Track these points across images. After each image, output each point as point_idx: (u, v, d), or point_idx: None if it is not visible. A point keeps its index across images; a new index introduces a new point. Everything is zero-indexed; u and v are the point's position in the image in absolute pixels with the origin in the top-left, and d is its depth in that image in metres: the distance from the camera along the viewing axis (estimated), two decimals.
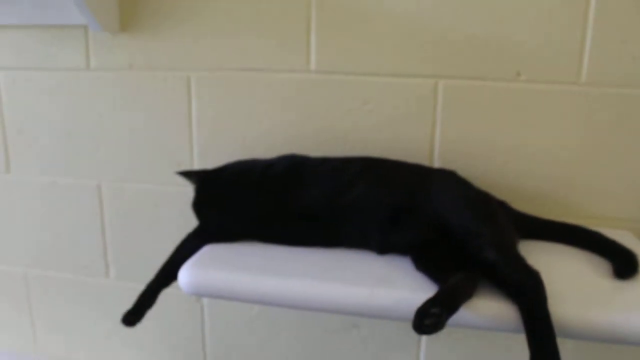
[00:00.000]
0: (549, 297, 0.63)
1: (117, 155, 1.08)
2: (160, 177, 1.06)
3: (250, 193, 0.83)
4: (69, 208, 1.14)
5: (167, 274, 0.84)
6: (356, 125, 0.95)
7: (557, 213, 0.89)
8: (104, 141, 1.08)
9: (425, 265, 0.73)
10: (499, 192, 0.86)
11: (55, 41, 1.05)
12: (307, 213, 0.81)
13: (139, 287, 0.84)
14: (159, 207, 1.08)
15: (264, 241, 0.83)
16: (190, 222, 0.86)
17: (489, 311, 0.66)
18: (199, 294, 0.96)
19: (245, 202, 0.83)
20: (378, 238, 0.78)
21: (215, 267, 0.77)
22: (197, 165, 1.04)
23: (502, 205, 0.85)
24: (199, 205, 0.86)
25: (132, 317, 0.82)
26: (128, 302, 0.83)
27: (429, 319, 0.60)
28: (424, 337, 1.02)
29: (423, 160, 0.92)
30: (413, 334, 0.63)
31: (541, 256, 0.71)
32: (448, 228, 0.74)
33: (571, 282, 0.71)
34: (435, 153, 0.93)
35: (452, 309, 0.62)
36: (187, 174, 0.89)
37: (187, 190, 0.88)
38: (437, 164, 0.93)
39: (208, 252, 0.81)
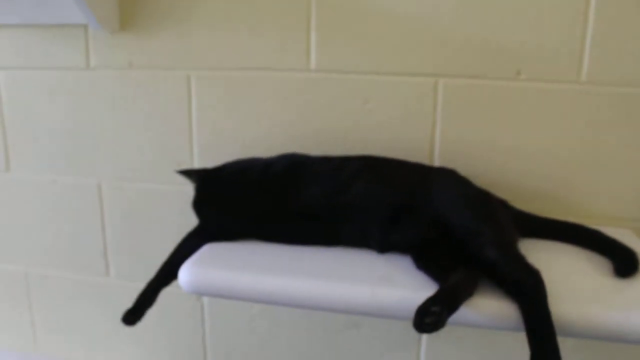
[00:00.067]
0: (549, 295, 0.63)
1: (117, 154, 1.08)
2: (160, 176, 1.06)
3: (251, 192, 0.83)
4: (69, 207, 1.14)
5: (167, 273, 0.84)
6: (356, 124, 0.95)
7: (558, 212, 0.89)
8: (104, 140, 1.08)
9: (426, 264, 0.73)
10: (499, 191, 0.86)
11: (55, 40, 1.04)
12: (307, 212, 0.81)
13: (139, 286, 0.84)
14: (159, 206, 1.08)
15: (264, 240, 0.83)
16: (190, 221, 0.86)
17: (489, 309, 0.66)
18: (199, 293, 0.96)
19: (245, 201, 0.83)
20: (378, 237, 0.78)
21: (215, 266, 0.77)
22: (197, 164, 1.04)
23: (503, 204, 0.85)
24: (199, 204, 0.86)
25: (133, 316, 0.82)
26: (128, 301, 0.83)
27: (429, 318, 0.60)
28: (425, 336, 1.02)
29: (423, 159, 0.92)
30: (413, 333, 0.63)
31: (541, 255, 0.71)
32: (448, 227, 0.74)
33: (571, 281, 0.71)
34: (436, 152, 0.93)
35: (453, 307, 0.63)
36: (187, 173, 0.89)
37: (187, 189, 0.88)
38: (437, 162, 0.93)
39: (208, 251, 0.81)
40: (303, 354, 1.10)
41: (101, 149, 1.08)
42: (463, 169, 0.86)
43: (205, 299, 1.12)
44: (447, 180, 0.83)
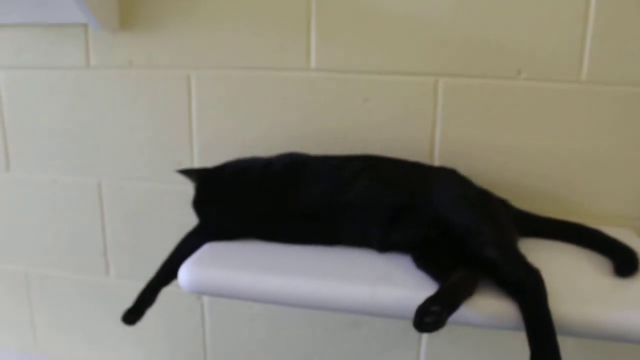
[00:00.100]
0: (550, 294, 0.63)
1: (117, 154, 1.08)
2: (160, 176, 1.06)
3: (251, 191, 0.83)
4: (69, 206, 1.14)
5: (167, 272, 0.84)
6: (356, 123, 0.95)
7: (558, 211, 0.89)
8: (104, 139, 1.08)
9: (426, 263, 0.73)
10: (500, 190, 0.86)
11: (55, 40, 1.04)
12: (308, 211, 0.81)
13: (139, 285, 0.84)
14: (159, 206, 1.08)
15: (264, 239, 0.83)
16: (190, 221, 0.86)
17: (489, 309, 0.66)
18: (199, 292, 0.96)
19: (245, 200, 0.83)
20: (378, 236, 0.78)
21: (215, 266, 0.77)
22: (197, 163, 1.04)
23: (503, 203, 0.85)
24: (199, 204, 0.86)
25: (133, 316, 0.82)
26: (128, 300, 0.83)
27: (429, 317, 0.60)
28: (425, 335, 1.02)
29: (423, 159, 0.92)
30: (414, 332, 0.63)
31: (541, 254, 0.71)
32: (448, 226, 0.74)
33: (571, 280, 0.71)
34: (436, 151, 0.93)
35: (453, 307, 0.63)
36: (187, 172, 0.89)
37: (187, 189, 0.88)
38: (437, 162, 0.93)
39: (208, 250, 0.81)
40: (303, 353, 1.10)
41: (101, 148, 1.08)
42: (463, 168, 0.86)
43: (205, 299, 1.12)
44: (447, 180, 0.83)
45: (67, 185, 1.12)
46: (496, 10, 0.86)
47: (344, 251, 0.80)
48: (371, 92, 0.93)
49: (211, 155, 1.01)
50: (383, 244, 0.79)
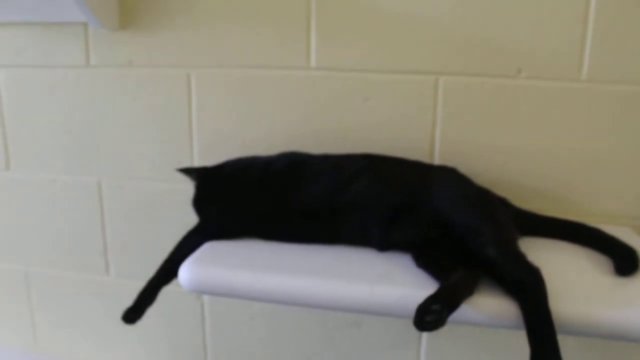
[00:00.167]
0: (550, 293, 0.63)
1: (117, 153, 1.08)
2: (160, 175, 1.06)
3: (251, 190, 0.83)
4: (69, 206, 1.14)
5: (167, 272, 0.84)
6: (356, 122, 0.95)
7: (558, 210, 0.89)
8: (104, 138, 1.08)
9: (426, 262, 0.73)
10: (500, 189, 0.86)
11: (55, 38, 1.04)
12: (308, 210, 0.81)
13: (140, 284, 0.84)
14: (159, 205, 1.08)
15: (265, 238, 0.83)
16: (190, 220, 0.86)
17: (489, 308, 0.66)
18: (199, 291, 0.96)
19: (245, 199, 0.83)
20: (378, 235, 0.78)
21: (215, 265, 0.77)
22: (197, 162, 1.03)
23: (503, 202, 0.85)
24: (199, 202, 0.86)
25: (133, 315, 0.82)
26: (128, 299, 0.83)
27: (429, 316, 0.60)
28: (425, 334, 1.02)
29: (423, 157, 0.92)
30: (414, 331, 0.63)
31: (542, 253, 0.71)
32: (449, 225, 0.74)
33: (572, 279, 0.71)
34: (436, 150, 0.93)
35: (453, 306, 0.63)
36: (188, 171, 0.89)
37: (188, 188, 0.88)
38: (437, 160, 0.93)
39: (208, 249, 0.81)
40: (303, 352, 1.10)
41: (101, 147, 1.08)
42: (463, 167, 0.86)
43: (206, 297, 1.12)
44: (448, 179, 0.83)
45: (67, 185, 1.12)
46: (496, 8, 0.86)
47: (344, 250, 0.80)
48: (371, 91, 0.93)
49: (211, 154, 1.01)
50: (383, 243, 0.79)
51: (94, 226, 1.13)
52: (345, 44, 0.92)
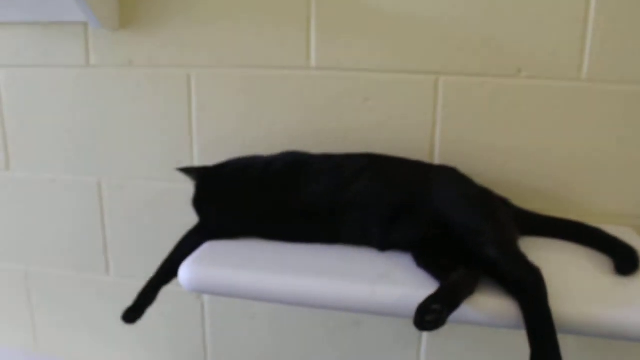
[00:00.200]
0: (550, 293, 0.63)
1: (117, 153, 1.08)
2: (160, 174, 1.06)
3: (251, 190, 0.83)
4: (69, 205, 1.14)
5: (167, 271, 0.84)
6: (357, 121, 0.95)
7: (558, 210, 0.89)
8: (104, 138, 1.08)
9: (427, 262, 0.73)
10: (500, 189, 0.86)
11: (55, 38, 1.04)
12: (308, 210, 0.81)
13: (140, 284, 0.84)
14: (159, 204, 1.08)
15: (265, 238, 0.83)
16: (190, 219, 0.86)
17: (490, 308, 0.66)
18: (199, 291, 0.96)
19: (246, 198, 0.83)
20: (379, 235, 0.78)
21: (215, 264, 0.77)
22: (197, 161, 1.03)
23: (503, 202, 0.85)
24: (200, 202, 0.86)
25: (133, 314, 0.82)
26: (128, 299, 0.83)
27: (430, 316, 0.60)
28: (425, 334, 1.02)
29: (423, 157, 0.92)
30: (414, 330, 0.63)
31: (542, 253, 0.71)
32: (449, 225, 0.74)
33: (572, 279, 0.71)
34: (436, 150, 0.93)
35: (453, 305, 0.63)
36: (188, 171, 0.89)
37: (188, 187, 0.88)
38: (437, 160, 0.93)
39: (208, 248, 0.81)
40: (303, 351, 1.10)
41: (101, 147, 1.08)
42: (463, 167, 0.86)
43: (206, 297, 1.12)
44: (448, 179, 0.83)
45: (67, 184, 1.12)
46: (496, 8, 0.86)
47: (344, 250, 0.80)
48: (371, 91, 0.93)
49: (211, 153, 1.01)
50: (383, 243, 0.79)
51: (94, 226, 1.13)
52: (346, 43, 0.92)
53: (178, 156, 1.04)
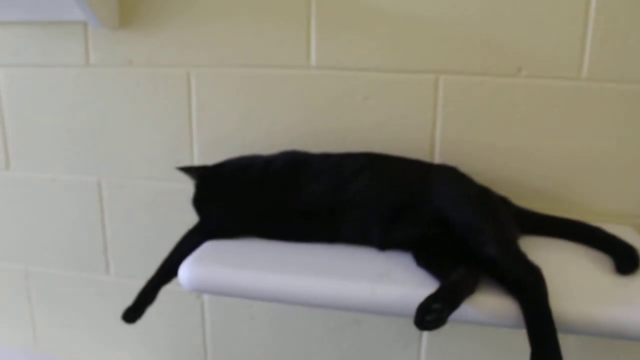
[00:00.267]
0: (550, 292, 0.63)
1: (117, 152, 1.07)
2: (160, 174, 1.06)
3: (251, 189, 0.83)
4: (68, 205, 1.14)
5: (167, 271, 0.84)
6: (357, 121, 0.95)
7: (558, 209, 0.89)
8: (104, 138, 1.07)
9: (427, 261, 0.73)
10: (500, 188, 0.86)
11: (55, 38, 1.04)
12: (308, 209, 0.81)
13: (140, 284, 0.84)
14: (159, 204, 1.08)
15: (265, 237, 0.83)
16: (190, 219, 0.86)
17: (490, 307, 0.66)
18: (199, 291, 0.96)
19: (245, 198, 0.83)
20: (379, 234, 0.78)
21: (215, 264, 0.77)
22: (197, 161, 1.03)
23: (503, 201, 0.85)
24: (199, 201, 0.85)
25: (133, 314, 0.82)
26: (128, 298, 0.83)
27: (430, 315, 0.60)
28: (426, 333, 1.02)
29: (424, 156, 0.92)
30: (414, 330, 0.63)
31: (542, 252, 0.71)
32: (449, 224, 0.74)
33: (572, 278, 0.70)
34: (436, 149, 0.93)
35: (454, 304, 0.62)
36: (188, 170, 0.89)
37: (188, 187, 0.88)
38: (437, 159, 0.93)
39: (208, 248, 0.81)
40: (303, 351, 1.10)
41: (101, 146, 1.08)
42: (463, 166, 0.86)
43: (206, 297, 1.12)
44: (448, 178, 0.83)
45: (67, 184, 1.12)
46: (497, 7, 0.86)
47: (344, 249, 0.80)
48: (371, 90, 0.93)
49: (211, 153, 1.01)
50: (383, 242, 0.79)
51: (94, 226, 1.13)
52: (346, 43, 0.92)
53: (178, 156, 1.04)
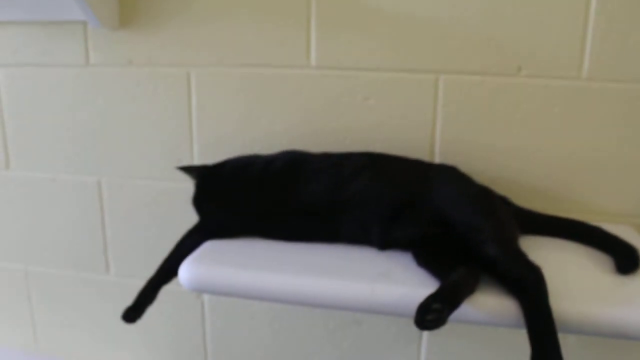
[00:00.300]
0: (550, 292, 0.63)
1: (117, 152, 1.07)
2: (160, 173, 1.06)
3: (251, 188, 0.83)
4: (69, 205, 1.13)
5: (167, 270, 0.84)
6: (357, 120, 0.94)
7: (559, 208, 0.89)
8: (104, 137, 1.07)
9: (427, 260, 0.72)
10: (500, 188, 0.86)
11: (54, 37, 1.04)
12: (308, 209, 0.81)
13: (140, 283, 0.84)
14: (159, 203, 1.08)
15: (265, 237, 0.83)
16: (190, 218, 0.86)
17: (490, 306, 0.66)
18: (199, 290, 0.96)
19: (245, 197, 0.83)
20: (379, 234, 0.78)
21: (215, 263, 0.77)
22: (197, 160, 1.03)
23: (504, 201, 0.85)
24: (200, 201, 0.85)
25: (133, 314, 0.82)
26: (128, 298, 0.83)
27: (430, 315, 0.60)
28: (426, 333, 1.02)
29: (424, 156, 0.92)
30: (415, 329, 0.63)
31: (542, 251, 0.71)
32: (449, 223, 0.74)
33: (572, 278, 0.70)
34: (436, 148, 0.93)
35: (454, 304, 0.62)
36: (188, 169, 0.89)
37: (188, 186, 0.88)
38: (438, 159, 0.93)
39: (209, 248, 0.81)
40: (303, 351, 1.10)
41: (101, 146, 1.08)
42: (463, 166, 0.86)
43: (206, 296, 1.12)
44: (448, 177, 0.83)
45: (67, 184, 1.12)
46: (497, 6, 0.86)
47: (344, 249, 0.80)
48: (371, 90, 0.93)
49: (211, 153, 1.01)
50: (383, 242, 0.79)
51: (94, 225, 1.13)
52: (346, 42, 0.92)
53: (178, 155, 1.04)
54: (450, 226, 0.74)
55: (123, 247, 1.13)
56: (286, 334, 1.10)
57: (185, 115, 1.02)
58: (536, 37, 0.86)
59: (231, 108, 0.99)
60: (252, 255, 0.79)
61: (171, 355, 1.19)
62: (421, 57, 0.90)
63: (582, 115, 0.87)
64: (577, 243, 0.81)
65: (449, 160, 0.90)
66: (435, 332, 0.63)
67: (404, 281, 0.70)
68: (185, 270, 0.75)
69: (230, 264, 0.76)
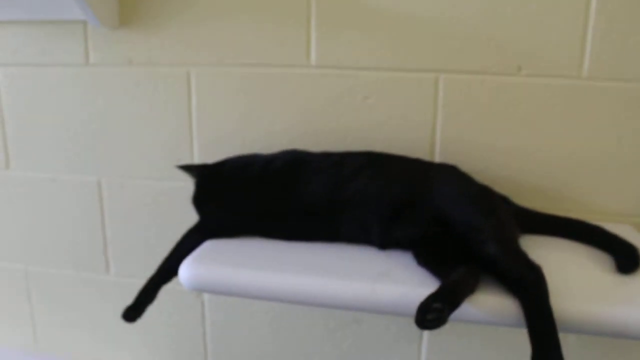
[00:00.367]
0: (551, 291, 0.63)
1: (117, 151, 1.07)
2: (160, 173, 1.06)
3: (251, 188, 0.83)
4: (69, 204, 1.13)
5: (167, 270, 0.84)
6: (357, 120, 0.94)
7: (559, 208, 0.89)
8: (104, 137, 1.07)
9: (427, 260, 0.72)
10: (500, 187, 0.86)
11: (54, 37, 1.04)
12: (308, 208, 0.81)
13: (140, 283, 0.84)
14: (159, 203, 1.08)
15: (265, 236, 0.83)
16: (190, 218, 0.86)
17: (490, 306, 0.66)
18: (199, 290, 0.96)
19: (245, 197, 0.83)
20: (379, 233, 0.78)
21: (216, 263, 0.77)
22: (197, 160, 1.03)
23: (504, 200, 0.85)
24: (200, 200, 0.85)
25: (133, 313, 0.82)
26: (128, 298, 0.83)
27: (431, 314, 0.60)
28: (426, 332, 1.02)
29: (424, 155, 0.92)
30: (415, 329, 0.63)
31: (543, 251, 0.71)
32: (449, 223, 0.74)
33: (573, 277, 0.70)
34: (436, 148, 0.93)
35: (454, 304, 0.62)
36: (188, 168, 0.89)
37: (188, 186, 0.88)
38: (438, 158, 0.93)
39: (209, 247, 0.81)
40: (304, 350, 1.10)
41: (101, 146, 1.08)
42: (463, 165, 0.86)
43: (206, 296, 1.12)
44: (448, 176, 0.83)
45: (67, 183, 1.12)
46: (497, 6, 0.86)
47: (345, 248, 0.80)
48: (371, 89, 0.93)
49: (211, 152, 1.01)
50: (383, 241, 0.79)
51: (94, 225, 1.13)
52: (346, 42, 0.92)
53: (178, 155, 1.04)
54: (451, 225, 0.74)
55: (123, 247, 1.13)
56: (286, 333, 1.10)
57: (185, 115, 1.02)
58: (536, 37, 0.86)
59: (231, 108, 0.99)
60: (252, 254, 0.79)
61: (171, 355, 1.19)
62: (421, 56, 0.90)
63: (582, 114, 0.87)
64: (577, 242, 0.81)
65: (449, 160, 0.90)
66: (436, 331, 0.63)
67: (404, 281, 0.70)
68: (185, 269, 0.75)
69: (230, 264, 0.76)
